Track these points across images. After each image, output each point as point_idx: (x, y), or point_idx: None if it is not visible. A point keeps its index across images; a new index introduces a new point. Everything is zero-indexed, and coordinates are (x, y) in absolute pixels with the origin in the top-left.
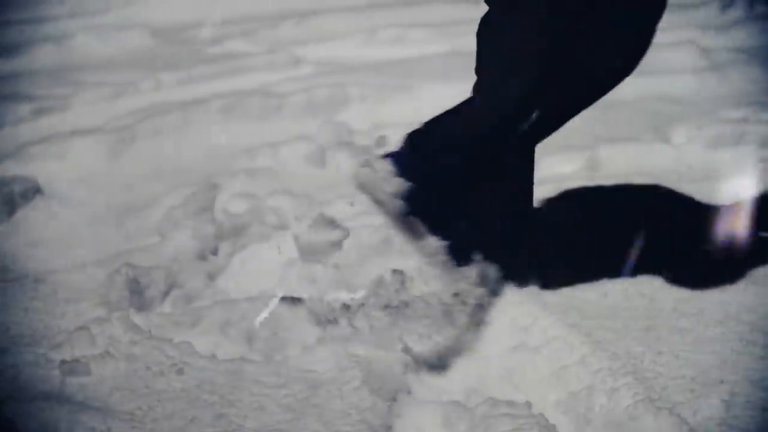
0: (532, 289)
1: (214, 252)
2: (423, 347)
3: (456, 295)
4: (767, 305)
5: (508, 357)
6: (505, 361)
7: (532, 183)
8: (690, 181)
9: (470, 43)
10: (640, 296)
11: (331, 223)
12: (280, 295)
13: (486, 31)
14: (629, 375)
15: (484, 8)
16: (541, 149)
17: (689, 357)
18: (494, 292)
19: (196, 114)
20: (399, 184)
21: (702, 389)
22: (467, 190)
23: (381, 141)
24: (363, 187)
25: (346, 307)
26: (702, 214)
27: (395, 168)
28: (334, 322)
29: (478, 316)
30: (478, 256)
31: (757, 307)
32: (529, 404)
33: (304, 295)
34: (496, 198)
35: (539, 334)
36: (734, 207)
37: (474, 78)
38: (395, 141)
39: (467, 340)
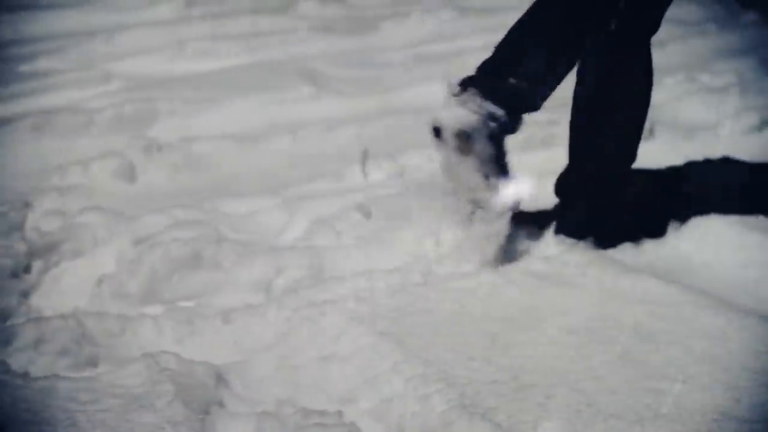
0: (341, 298)
1: (27, 270)
2: (232, 359)
3: (265, 304)
4: (576, 306)
5: (318, 367)
6: (316, 371)
7: None
8: None
9: (272, 55)
10: (450, 302)
11: (143, 237)
12: (93, 311)
13: None
14: (441, 381)
15: (288, 20)
16: (349, 158)
17: (501, 362)
18: (302, 302)
19: (6, 133)
20: None
21: (515, 393)
22: None
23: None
24: None
25: (156, 321)
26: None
27: None
28: (146, 336)
29: (286, 325)
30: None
31: (566, 309)
32: (340, 413)
33: (117, 310)
34: None
35: (349, 343)
36: (540, 211)
37: None
38: None
39: (276, 351)
